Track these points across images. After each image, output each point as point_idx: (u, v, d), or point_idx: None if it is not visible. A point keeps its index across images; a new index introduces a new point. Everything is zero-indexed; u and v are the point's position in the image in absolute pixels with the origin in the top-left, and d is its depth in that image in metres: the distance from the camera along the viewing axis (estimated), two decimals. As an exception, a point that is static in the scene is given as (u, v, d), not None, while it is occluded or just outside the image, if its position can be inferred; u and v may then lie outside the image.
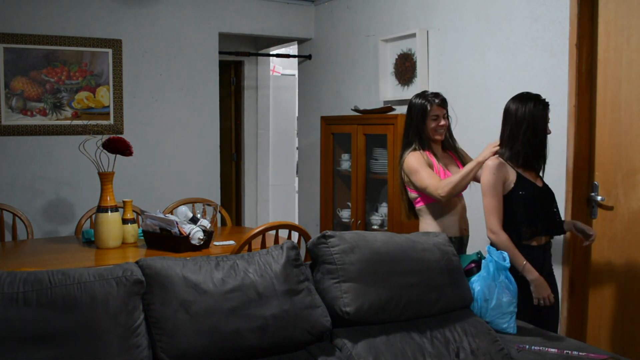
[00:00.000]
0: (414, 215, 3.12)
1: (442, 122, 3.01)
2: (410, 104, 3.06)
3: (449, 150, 3.12)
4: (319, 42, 5.33)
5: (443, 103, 3.02)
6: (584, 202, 3.14)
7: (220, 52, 5.03)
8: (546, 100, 2.69)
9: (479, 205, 2.77)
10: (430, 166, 2.97)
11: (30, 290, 1.87)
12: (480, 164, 2.78)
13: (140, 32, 4.65)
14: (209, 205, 4.36)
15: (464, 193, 3.08)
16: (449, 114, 3.08)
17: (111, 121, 4.57)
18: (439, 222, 2.99)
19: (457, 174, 2.87)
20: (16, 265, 2.97)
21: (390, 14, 4.42)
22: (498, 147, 2.74)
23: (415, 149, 3.00)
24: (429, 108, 2.97)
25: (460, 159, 3.12)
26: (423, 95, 3.04)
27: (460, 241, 3.03)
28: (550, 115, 3.21)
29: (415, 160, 2.96)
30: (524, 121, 2.64)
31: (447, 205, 2.99)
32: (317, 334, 2.24)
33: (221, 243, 3.55)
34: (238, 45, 6.12)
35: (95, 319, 1.91)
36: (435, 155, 3.03)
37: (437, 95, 3.02)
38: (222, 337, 2.06)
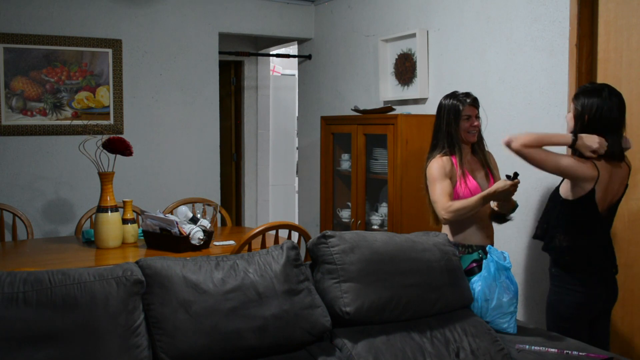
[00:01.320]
0: None
1: (475, 123, 2.94)
2: (440, 105, 2.99)
3: (477, 154, 3.02)
4: (319, 42, 5.33)
5: (475, 102, 2.95)
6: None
7: (220, 52, 5.03)
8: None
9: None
10: (452, 177, 2.89)
11: (30, 290, 1.87)
12: (487, 198, 2.75)
13: (140, 32, 4.65)
14: (209, 205, 4.36)
15: None
16: (480, 115, 3.00)
17: (111, 121, 4.57)
18: (459, 229, 2.92)
19: (467, 203, 2.77)
20: (16, 265, 2.97)
21: (390, 14, 4.42)
22: (512, 185, 2.69)
23: (442, 154, 2.92)
24: (461, 108, 2.91)
25: (488, 164, 3.03)
26: (454, 95, 2.97)
27: (483, 250, 2.90)
28: (551, 115, 3.22)
29: (436, 170, 2.89)
30: None
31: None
32: (317, 334, 2.24)
33: (221, 243, 3.55)
34: (238, 45, 6.13)
35: (95, 319, 1.91)
36: (461, 160, 2.92)
37: (468, 95, 2.95)
38: (222, 337, 2.06)
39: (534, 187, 3.28)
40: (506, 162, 3.39)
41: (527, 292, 3.37)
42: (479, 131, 2.99)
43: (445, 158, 2.91)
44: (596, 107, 2.50)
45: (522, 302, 3.32)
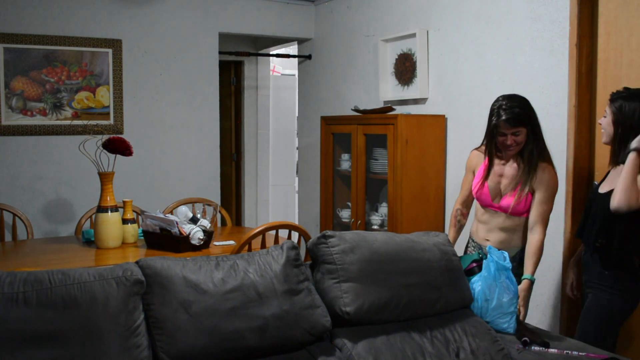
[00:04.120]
0: None
1: (508, 142, 2.70)
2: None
3: (522, 164, 2.76)
4: (319, 42, 5.33)
5: (509, 122, 2.65)
6: (584, 202, 3.13)
7: (220, 52, 5.03)
8: None
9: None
10: (475, 171, 2.92)
11: (30, 290, 1.87)
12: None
13: (140, 32, 4.65)
14: (209, 205, 4.36)
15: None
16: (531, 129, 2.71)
17: (111, 121, 4.57)
18: (474, 220, 2.99)
19: (452, 237, 2.98)
20: (16, 265, 2.97)
21: (390, 14, 4.42)
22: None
23: (481, 147, 2.89)
24: (494, 121, 2.70)
25: (526, 180, 2.73)
26: (498, 103, 2.71)
27: (480, 249, 2.91)
28: (551, 115, 3.22)
29: (468, 160, 2.98)
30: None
31: (479, 210, 2.92)
32: (317, 334, 2.24)
33: (221, 243, 3.55)
34: (238, 45, 6.13)
35: (95, 319, 1.91)
36: (494, 164, 2.82)
37: (506, 109, 2.66)
38: (222, 337, 2.06)
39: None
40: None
41: (527, 292, 3.37)
42: (533, 143, 2.72)
43: (481, 152, 2.90)
44: (639, 111, 2.46)
45: (522, 302, 3.32)
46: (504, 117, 2.66)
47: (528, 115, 2.70)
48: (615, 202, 2.43)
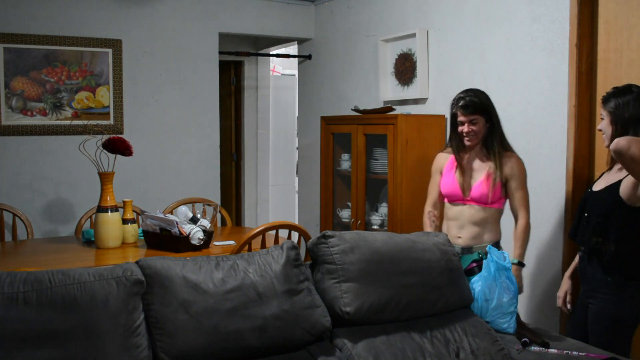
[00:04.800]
0: None
1: (466, 130, 2.84)
2: None
3: (489, 155, 2.88)
4: (319, 42, 5.33)
5: (465, 108, 2.81)
6: (584, 202, 3.13)
7: (220, 52, 5.04)
8: None
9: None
10: (441, 172, 3.00)
11: (30, 290, 1.87)
12: None
13: (140, 32, 4.65)
14: (209, 205, 4.36)
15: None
16: (491, 115, 2.85)
17: (111, 121, 4.57)
18: (444, 221, 3.04)
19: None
20: (16, 265, 2.97)
21: (390, 14, 4.42)
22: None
23: (445, 148, 3.03)
24: (452, 111, 2.88)
25: (496, 169, 2.83)
26: (457, 95, 2.88)
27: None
28: (551, 115, 3.22)
29: (434, 163, 3.07)
30: None
31: (449, 208, 2.98)
32: (317, 334, 2.24)
33: (221, 243, 3.55)
34: (238, 45, 6.12)
35: (95, 319, 1.91)
36: (460, 159, 2.91)
37: (461, 98, 2.84)
38: (222, 337, 2.06)
39: (546, 192, 3.28)
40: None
41: (527, 292, 3.37)
42: (493, 133, 2.86)
43: (445, 153, 3.01)
44: (632, 104, 2.41)
45: (522, 302, 3.32)
46: (461, 104, 2.83)
47: (484, 104, 2.86)
48: (616, 141, 2.24)
